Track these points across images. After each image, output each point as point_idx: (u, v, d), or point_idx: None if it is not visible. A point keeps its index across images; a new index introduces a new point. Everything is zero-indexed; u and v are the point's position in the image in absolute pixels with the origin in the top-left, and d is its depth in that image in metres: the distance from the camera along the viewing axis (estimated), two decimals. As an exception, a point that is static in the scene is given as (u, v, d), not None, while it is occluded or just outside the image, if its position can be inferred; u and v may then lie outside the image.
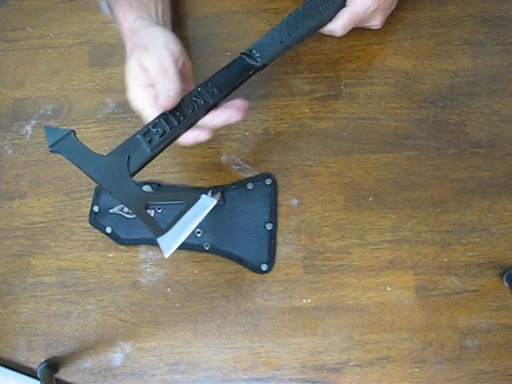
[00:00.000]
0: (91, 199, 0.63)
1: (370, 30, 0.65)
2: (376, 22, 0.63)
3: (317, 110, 0.64)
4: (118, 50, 0.69)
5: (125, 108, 0.66)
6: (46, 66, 0.69)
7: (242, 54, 0.56)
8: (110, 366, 0.58)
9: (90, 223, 0.62)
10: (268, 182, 0.61)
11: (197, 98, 0.52)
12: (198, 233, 0.60)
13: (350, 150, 0.62)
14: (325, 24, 0.60)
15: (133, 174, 0.48)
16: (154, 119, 0.51)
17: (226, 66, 0.55)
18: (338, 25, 0.60)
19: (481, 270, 0.58)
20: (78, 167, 0.48)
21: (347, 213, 0.60)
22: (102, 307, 0.59)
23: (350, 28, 0.61)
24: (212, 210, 0.61)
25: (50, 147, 0.48)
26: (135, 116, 0.65)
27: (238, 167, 0.63)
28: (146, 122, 0.51)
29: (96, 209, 0.62)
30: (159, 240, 0.45)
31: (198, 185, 0.62)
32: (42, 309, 0.60)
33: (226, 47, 0.68)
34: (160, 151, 0.50)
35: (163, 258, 0.60)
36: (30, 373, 0.58)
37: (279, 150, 0.63)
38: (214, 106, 0.53)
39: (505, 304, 0.57)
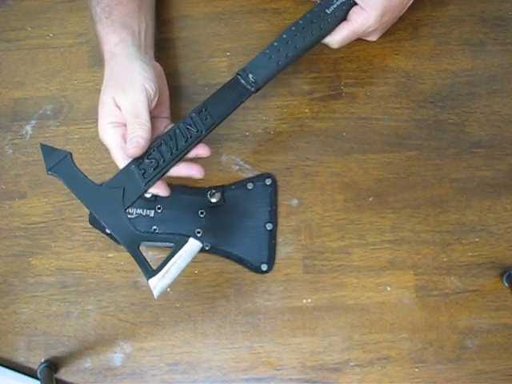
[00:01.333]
0: (91, 199, 0.63)
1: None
2: (373, 38, 0.62)
3: (317, 110, 0.64)
4: (117, 50, 0.69)
5: (125, 108, 0.66)
6: (46, 65, 0.69)
7: (238, 74, 0.54)
8: (110, 366, 0.58)
9: (90, 223, 0.62)
10: (268, 182, 0.61)
11: (190, 126, 0.52)
12: (198, 233, 0.60)
13: (350, 150, 0.62)
14: (322, 39, 0.58)
15: (126, 208, 0.49)
16: (148, 149, 0.50)
17: (221, 88, 0.54)
18: (336, 39, 0.58)
19: (481, 270, 0.58)
20: (74, 194, 0.49)
21: (347, 213, 0.60)
22: (101, 307, 0.59)
23: (345, 43, 0.59)
24: (212, 209, 0.61)
25: (48, 170, 0.49)
26: (135, 116, 0.66)
27: (237, 167, 0.63)
28: (114, 161, 0.52)
29: (96, 209, 0.62)
30: (150, 282, 0.47)
31: (198, 185, 0.62)
32: (42, 309, 0.60)
33: (225, 47, 0.68)
34: (153, 183, 0.50)
35: (163, 257, 0.60)
36: (29, 373, 0.58)
37: (279, 150, 0.63)
38: (205, 136, 0.53)
39: (505, 304, 0.57)
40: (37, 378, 0.58)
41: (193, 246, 0.48)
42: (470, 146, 0.62)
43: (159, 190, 0.51)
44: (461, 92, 0.64)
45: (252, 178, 0.62)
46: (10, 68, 0.70)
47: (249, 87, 0.54)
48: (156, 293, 0.47)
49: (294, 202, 0.61)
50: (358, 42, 0.67)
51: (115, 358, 0.58)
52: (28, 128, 0.67)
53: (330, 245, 0.59)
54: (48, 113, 0.67)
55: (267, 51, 0.55)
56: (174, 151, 0.51)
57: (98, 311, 0.59)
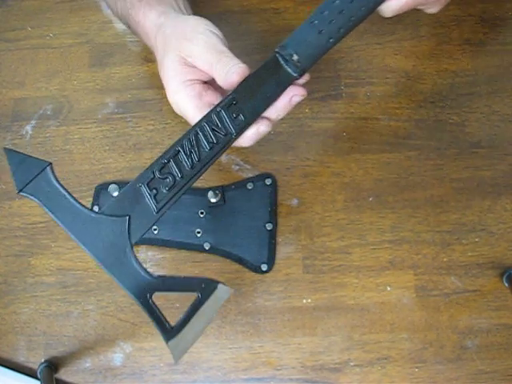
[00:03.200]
0: (91, 199, 0.63)
1: (371, 29, 0.65)
2: (433, 10, 0.53)
3: (317, 110, 0.64)
4: (117, 50, 0.69)
5: (125, 108, 0.66)
6: (46, 65, 0.69)
7: (277, 52, 0.42)
8: (110, 366, 0.58)
9: (90, 223, 0.62)
10: (268, 182, 0.61)
11: (217, 127, 0.40)
12: (198, 233, 0.60)
13: (350, 150, 0.62)
14: (378, 6, 0.46)
15: (133, 245, 0.37)
16: (160, 159, 0.39)
17: (255, 73, 0.42)
18: (392, 6, 0.47)
19: (481, 270, 0.58)
20: (61, 225, 0.36)
21: (347, 213, 0.60)
22: (101, 307, 0.59)
23: (401, 12, 0.49)
24: (212, 209, 0.61)
25: (19, 191, 0.36)
26: (135, 116, 0.66)
27: (237, 167, 0.63)
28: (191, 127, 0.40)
29: (96, 209, 0.62)
30: (170, 344, 0.37)
31: (199, 185, 0.62)
32: (42, 309, 0.60)
33: (225, 47, 0.68)
34: (169, 208, 0.38)
35: (163, 257, 0.60)
36: (30, 373, 0.58)
37: (279, 150, 0.63)
38: (236, 139, 0.41)
39: (505, 304, 0.57)
40: (37, 378, 0.58)
41: (222, 293, 0.38)
42: (469, 146, 0.62)
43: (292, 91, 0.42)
44: (461, 92, 0.64)
45: (252, 177, 0.62)
46: (10, 68, 0.70)
47: (290, 71, 0.42)
48: (176, 358, 0.37)
49: (294, 201, 0.61)
50: (358, 42, 0.67)
51: (115, 357, 0.58)
52: (28, 128, 0.67)
53: (330, 245, 0.59)
54: (48, 113, 0.67)
55: (315, 22, 0.41)
56: (195, 162, 0.39)
57: (97, 311, 0.59)
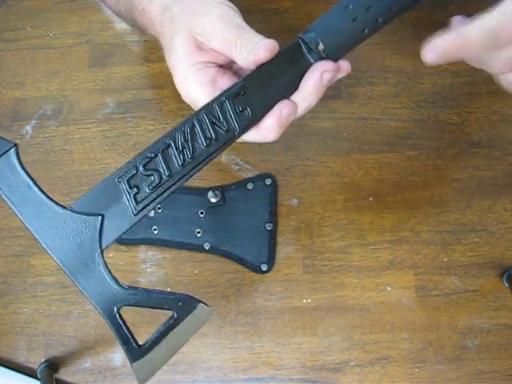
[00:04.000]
0: (91, 199, 0.63)
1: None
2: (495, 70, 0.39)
3: (317, 110, 0.64)
4: (118, 50, 0.69)
5: (125, 108, 0.66)
6: (46, 65, 0.69)
7: (300, 38, 0.36)
8: (110, 366, 0.58)
9: (90, 223, 0.62)
10: (268, 182, 0.61)
11: (217, 120, 0.34)
12: (198, 233, 0.60)
13: (350, 149, 0.62)
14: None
15: (104, 249, 0.32)
16: (146, 151, 0.33)
17: (273, 59, 0.35)
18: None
19: (481, 270, 0.58)
20: (20, 218, 0.31)
21: (347, 213, 0.60)
22: (102, 307, 0.59)
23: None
24: (212, 209, 0.61)
25: None
26: (135, 116, 0.66)
27: (238, 167, 0.63)
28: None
29: (96, 209, 0.62)
30: (134, 366, 0.32)
31: (199, 185, 0.62)
32: (42, 309, 0.60)
33: (226, 47, 0.68)
34: (149, 211, 0.33)
35: (163, 257, 0.60)
36: (30, 373, 0.58)
37: (279, 150, 0.63)
38: (238, 137, 0.35)
39: (505, 304, 0.57)
40: (37, 378, 0.58)
41: (202, 314, 0.34)
42: (470, 146, 0.62)
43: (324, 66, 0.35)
44: (461, 92, 0.64)
45: (252, 178, 0.62)
46: (10, 68, 0.70)
47: (311, 60, 0.36)
48: (141, 381, 0.33)
49: (294, 201, 0.61)
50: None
51: (115, 358, 0.58)
52: (28, 128, 0.67)
53: (330, 245, 0.59)
54: (48, 113, 0.67)
55: (350, 6, 0.35)
56: (187, 160, 0.33)
57: (97, 311, 0.59)
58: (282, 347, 0.57)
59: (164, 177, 0.33)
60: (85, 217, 0.31)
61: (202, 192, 0.61)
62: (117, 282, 0.32)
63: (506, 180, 0.60)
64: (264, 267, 0.59)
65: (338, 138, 0.63)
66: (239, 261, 0.59)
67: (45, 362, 0.58)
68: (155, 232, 0.60)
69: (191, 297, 0.33)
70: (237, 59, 0.37)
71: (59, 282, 0.60)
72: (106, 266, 0.32)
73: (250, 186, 0.61)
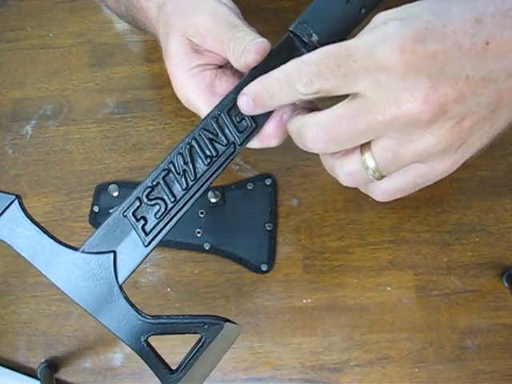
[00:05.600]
0: (91, 199, 0.63)
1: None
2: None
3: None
4: (118, 50, 0.69)
5: (125, 108, 0.66)
6: (46, 65, 0.69)
7: (292, 32, 0.34)
8: (110, 366, 0.58)
9: (90, 223, 0.62)
10: (268, 182, 0.61)
11: (216, 136, 0.33)
12: (198, 233, 0.60)
13: (350, 150, 0.62)
14: None
15: (122, 283, 0.33)
16: (146, 182, 0.32)
17: (265, 60, 0.33)
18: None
19: (481, 270, 0.58)
20: (37, 268, 0.32)
21: (347, 213, 0.60)
22: (102, 307, 0.59)
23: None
24: (212, 209, 0.61)
25: None
26: (135, 116, 0.66)
27: (238, 167, 0.63)
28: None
29: (96, 209, 0.62)
30: None
31: (198, 185, 0.62)
32: (42, 309, 0.60)
33: (225, 47, 0.68)
34: (160, 239, 0.33)
35: (163, 257, 0.60)
36: (30, 373, 0.58)
37: (279, 149, 0.63)
38: (241, 149, 0.34)
39: (505, 304, 0.57)
40: (37, 378, 0.58)
41: (230, 333, 0.33)
42: (469, 146, 0.62)
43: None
44: (461, 92, 0.64)
45: (252, 178, 0.62)
46: (10, 68, 0.70)
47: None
48: None
49: (294, 201, 0.61)
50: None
51: (115, 358, 0.58)
52: (28, 128, 0.67)
53: (330, 245, 0.59)
54: (48, 113, 0.67)
55: None
56: (190, 182, 0.32)
57: (98, 311, 0.59)
58: (282, 347, 0.57)
59: (169, 203, 0.32)
60: (97, 256, 0.31)
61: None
62: (140, 313, 0.32)
63: (506, 180, 0.60)
64: (264, 267, 0.59)
65: (338, 138, 0.63)
66: (239, 261, 0.59)
67: (45, 361, 0.58)
68: (155, 232, 0.60)
69: (216, 317, 0.33)
70: (231, 61, 0.35)
71: (59, 282, 0.60)
72: (128, 299, 0.32)
73: (250, 186, 0.61)
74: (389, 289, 0.58)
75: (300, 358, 0.56)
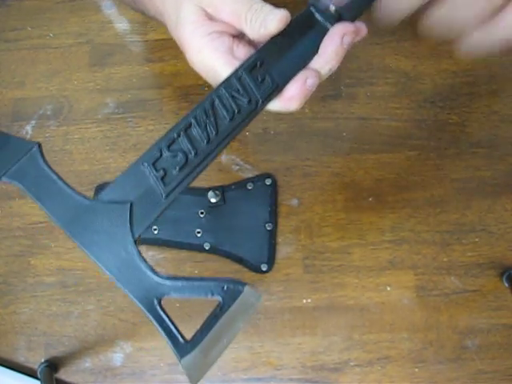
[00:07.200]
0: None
1: (371, 29, 0.65)
2: None
3: (317, 110, 0.64)
4: (118, 50, 0.69)
5: (125, 108, 0.66)
6: (46, 65, 0.69)
7: (312, 5, 0.36)
8: (110, 366, 0.58)
9: (90, 223, 0.62)
10: (268, 182, 0.61)
11: (238, 93, 0.33)
12: (198, 233, 0.60)
13: (350, 150, 0.62)
14: None
15: (137, 237, 0.31)
16: (169, 133, 0.32)
17: (286, 30, 0.34)
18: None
19: (481, 270, 0.58)
20: (49, 215, 0.31)
21: (347, 213, 0.60)
22: (101, 307, 0.59)
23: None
24: (212, 209, 0.61)
25: (1, 176, 0.30)
26: (135, 116, 0.66)
27: (237, 167, 0.63)
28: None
29: (96, 209, 0.62)
30: (183, 363, 0.30)
31: (199, 185, 0.62)
32: (42, 309, 0.60)
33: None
34: (179, 192, 0.32)
35: (163, 257, 0.60)
36: (30, 373, 0.58)
37: (279, 150, 0.63)
38: (263, 107, 0.34)
39: (505, 304, 0.57)
40: (37, 378, 0.58)
41: (250, 298, 0.31)
42: (469, 146, 0.62)
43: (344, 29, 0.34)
44: (461, 92, 0.64)
45: (252, 178, 0.62)
46: (10, 68, 0.70)
47: (329, 26, 0.35)
48: (193, 380, 0.31)
49: (294, 201, 0.61)
50: (358, 42, 0.67)
51: (115, 358, 0.58)
52: (28, 128, 0.67)
53: (330, 245, 0.59)
54: (48, 113, 0.67)
55: None
56: (212, 136, 0.32)
57: (98, 311, 0.59)
58: (282, 347, 0.57)
59: (190, 156, 0.32)
60: (113, 206, 0.30)
61: (202, 192, 0.61)
62: (154, 272, 0.30)
63: (506, 180, 0.60)
64: (264, 267, 0.59)
65: (338, 138, 0.63)
66: (239, 261, 0.59)
67: (45, 361, 0.58)
68: (155, 232, 0.60)
69: (236, 280, 0.31)
70: (247, 32, 0.35)
71: (59, 282, 0.60)
72: (141, 255, 0.30)
73: (249, 186, 0.61)
74: (389, 289, 0.58)
75: (300, 357, 0.56)
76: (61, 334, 0.59)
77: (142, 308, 0.30)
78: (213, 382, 0.57)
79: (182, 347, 0.30)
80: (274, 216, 0.60)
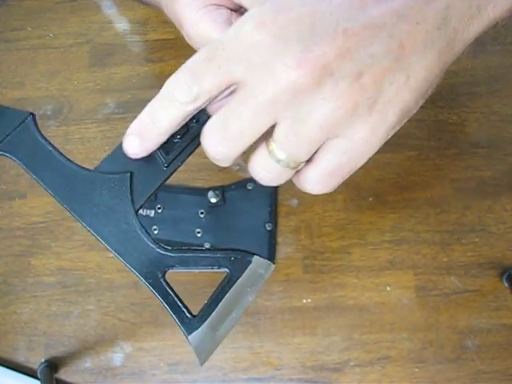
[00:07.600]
0: (91, 199, 0.63)
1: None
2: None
3: (317, 110, 0.64)
4: (118, 50, 0.69)
5: (125, 108, 0.66)
6: (46, 65, 0.69)
7: None
8: (110, 366, 0.58)
9: (90, 223, 0.62)
10: (268, 182, 0.61)
11: None
12: (198, 233, 0.60)
13: (350, 150, 0.62)
14: None
15: (139, 208, 0.29)
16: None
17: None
18: None
19: (481, 270, 0.58)
20: (45, 187, 0.30)
21: (347, 213, 0.60)
22: (101, 307, 0.59)
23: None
24: (212, 209, 0.61)
25: None
26: (135, 116, 0.65)
27: (237, 167, 0.63)
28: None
29: (96, 209, 0.62)
30: (191, 339, 0.28)
31: (199, 185, 0.62)
32: (42, 309, 0.60)
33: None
34: (183, 161, 0.30)
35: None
36: (30, 373, 0.58)
37: (279, 150, 0.63)
38: None
39: (505, 304, 0.57)
40: (37, 377, 0.58)
41: (260, 268, 0.31)
42: (469, 146, 0.62)
43: None
44: (461, 92, 0.64)
45: (252, 178, 0.62)
46: (10, 68, 0.70)
47: None
48: (201, 358, 0.28)
49: (294, 202, 0.61)
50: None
51: (115, 357, 0.58)
52: (28, 128, 0.67)
53: (330, 245, 0.59)
54: (48, 113, 0.67)
55: None
56: None
57: (98, 311, 0.59)
58: (282, 347, 0.57)
59: (191, 124, 0.30)
60: (112, 176, 0.28)
61: (202, 192, 0.61)
62: (156, 243, 0.28)
63: (506, 180, 0.60)
64: (264, 267, 0.59)
65: (338, 138, 0.63)
66: (239, 261, 0.59)
67: (45, 361, 0.58)
68: (155, 232, 0.60)
69: (244, 250, 0.29)
70: (246, 5, 0.34)
71: (59, 282, 0.60)
72: (142, 226, 0.28)
73: (250, 186, 0.61)
74: (389, 289, 0.58)
75: (300, 357, 0.56)
76: (61, 333, 0.59)
77: (145, 283, 0.28)
78: (213, 382, 0.57)
79: (189, 323, 0.28)
80: (273, 216, 0.60)
